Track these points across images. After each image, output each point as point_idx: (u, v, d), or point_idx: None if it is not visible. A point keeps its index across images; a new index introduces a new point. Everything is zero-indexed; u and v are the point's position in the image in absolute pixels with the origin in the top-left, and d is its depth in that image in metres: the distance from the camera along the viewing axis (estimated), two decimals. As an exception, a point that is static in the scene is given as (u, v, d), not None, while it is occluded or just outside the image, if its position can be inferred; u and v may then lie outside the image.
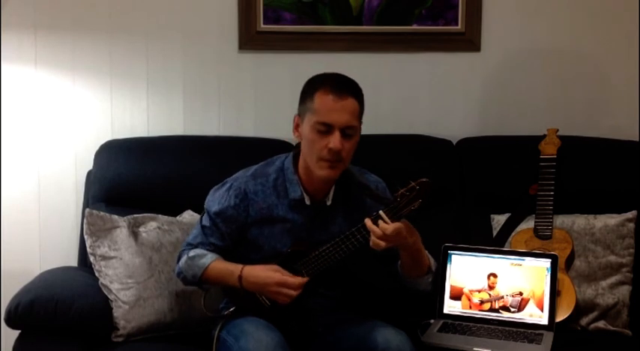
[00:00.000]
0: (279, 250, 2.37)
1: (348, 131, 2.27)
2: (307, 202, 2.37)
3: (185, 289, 2.54)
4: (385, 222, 2.19)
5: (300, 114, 2.32)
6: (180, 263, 2.43)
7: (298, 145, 2.40)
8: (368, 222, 2.21)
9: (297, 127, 2.34)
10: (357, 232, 2.26)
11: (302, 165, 2.37)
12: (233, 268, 2.33)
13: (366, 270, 2.54)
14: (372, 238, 2.20)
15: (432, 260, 2.41)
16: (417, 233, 2.30)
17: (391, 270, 2.44)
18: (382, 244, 2.20)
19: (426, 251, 2.39)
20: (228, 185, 2.41)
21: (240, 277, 2.30)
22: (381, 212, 2.20)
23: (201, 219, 2.46)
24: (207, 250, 2.40)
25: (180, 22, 3.04)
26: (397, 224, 2.19)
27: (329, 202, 2.39)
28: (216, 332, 2.33)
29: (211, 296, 2.46)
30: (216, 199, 2.41)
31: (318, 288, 2.38)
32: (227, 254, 2.41)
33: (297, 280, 2.27)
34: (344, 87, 2.28)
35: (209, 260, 2.36)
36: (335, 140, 2.23)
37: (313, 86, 2.29)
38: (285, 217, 2.38)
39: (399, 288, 2.46)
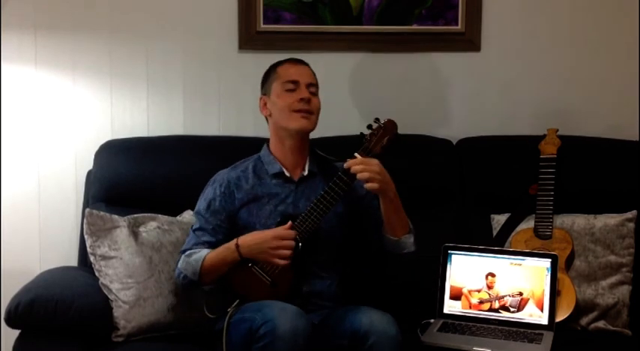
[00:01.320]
0: (271, 227, 2.44)
1: (312, 89, 2.52)
2: (287, 173, 2.53)
3: (185, 288, 2.54)
4: None
5: (266, 92, 2.57)
6: (178, 266, 2.48)
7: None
8: (348, 162, 2.37)
9: (264, 105, 2.56)
10: (338, 180, 2.38)
11: (274, 144, 2.57)
12: (228, 245, 2.42)
13: (357, 242, 2.61)
14: (359, 174, 2.34)
15: (409, 220, 2.51)
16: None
17: (378, 237, 2.51)
18: (368, 174, 2.33)
19: None
20: (211, 182, 2.58)
21: (237, 245, 2.38)
22: (355, 154, 2.39)
23: (192, 226, 2.56)
24: (201, 248, 2.48)
25: (180, 22, 3.04)
26: (374, 158, 2.39)
27: (305, 173, 2.54)
28: (226, 321, 2.34)
29: (212, 299, 2.46)
30: (203, 198, 2.56)
31: (314, 268, 2.45)
32: None
33: (292, 231, 2.36)
34: (300, 60, 2.58)
35: (205, 252, 2.44)
36: (303, 92, 2.49)
37: (272, 67, 2.59)
38: (269, 193, 2.51)
39: (384, 256, 2.54)
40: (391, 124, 2.43)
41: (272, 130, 2.57)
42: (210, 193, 2.54)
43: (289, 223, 2.38)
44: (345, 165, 2.38)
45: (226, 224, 2.51)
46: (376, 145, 2.40)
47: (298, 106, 2.47)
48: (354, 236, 2.59)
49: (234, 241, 2.40)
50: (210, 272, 2.42)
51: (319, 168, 2.57)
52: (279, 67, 2.56)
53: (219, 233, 2.49)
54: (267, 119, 2.58)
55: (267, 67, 3.08)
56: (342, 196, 2.39)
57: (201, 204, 2.55)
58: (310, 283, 2.46)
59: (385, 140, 2.41)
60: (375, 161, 2.37)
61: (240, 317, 2.31)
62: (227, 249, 2.41)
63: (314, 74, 2.56)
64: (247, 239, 2.39)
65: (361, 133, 2.42)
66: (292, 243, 2.34)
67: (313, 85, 2.53)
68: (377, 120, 2.42)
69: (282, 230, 2.37)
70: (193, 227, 2.54)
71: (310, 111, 2.49)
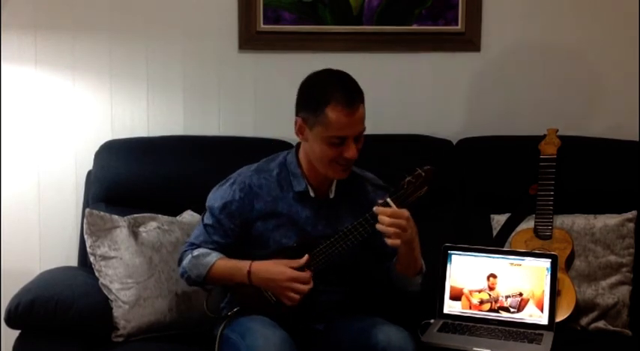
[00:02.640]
0: (285, 245, 2.37)
1: (359, 135, 2.31)
2: (312, 194, 2.39)
3: (185, 289, 2.54)
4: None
5: (307, 121, 2.29)
6: (184, 263, 2.42)
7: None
8: (377, 209, 2.22)
9: (301, 129, 2.32)
10: (364, 222, 2.26)
11: (305, 160, 2.39)
12: (241, 265, 2.33)
13: (368, 264, 2.55)
14: (384, 227, 2.19)
15: (422, 261, 2.41)
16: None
17: (386, 266, 2.44)
18: (393, 230, 2.19)
19: None
20: (231, 181, 2.42)
21: (249, 272, 2.31)
22: (388, 199, 2.21)
23: (202, 218, 2.46)
24: (211, 248, 2.40)
25: (180, 22, 3.04)
26: (405, 210, 2.21)
27: (332, 195, 2.41)
28: (220, 331, 2.33)
29: (214, 297, 2.46)
30: (220, 194, 2.42)
31: (322, 285, 2.38)
32: (230, 252, 2.40)
33: (308, 274, 2.29)
34: (353, 96, 2.27)
35: (214, 258, 2.36)
36: (351, 151, 2.27)
37: (323, 96, 2.25)
38: (290, 210, 2.39)
39: (389, 286, 2.46)
40: (429, 175, 2.21)
41: (304, 152, 2.38)
42: (228, 193, 2.39)
43: (306, 256, 2.29)
44: (375, 209, 2.21)
45: (239, 229, 2.40)
46: (412, 194, 2.21)
47: (342, 162, 2.28)
48: (368, 255, 2.49)
49: (247, 265, 2.32)
50: (215, 280, 2.38)
51: (349, 187, 2.42)
52: (330, 109, 2.22)
53: (230, 237, 2.41)
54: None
55: (267, 67, 3.09)
56: (366, 238, 2.29)
57: (216, 201, 2.40)
58: (317, 299, 2.39)
59: (423, 190, 2.21)
60: (405, 215, 2.20)
61: (229, 335, 2.30)
62: (238, 270, 2.33)
63: (364, 105, 2.30)
64: (261, 270, 2.31)
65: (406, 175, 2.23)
66: (306, 288, 2.27)
67: (362, 131, 2.30)
68: (420, 168, 2.22)
69: (299, 273, 2.28)
70: (204, 221, 2.43)
71: (353, 162, 2.31)
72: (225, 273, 2.35)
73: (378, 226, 2.21)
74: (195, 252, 2.40)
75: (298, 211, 2.39)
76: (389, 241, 2.21)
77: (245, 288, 2.35)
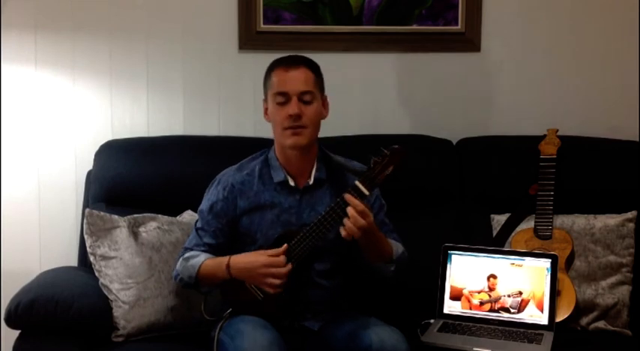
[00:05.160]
0: (272, 237, 2.39)
1: (305, 97, 2.36)
2: (291, 183, 2.44)
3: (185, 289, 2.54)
4: (362, 191, 2.24)
5: (265, 97, 2.44)
6: (177, 266, 2.46)
7: None
8: (347, 195, 2.25)
9: (265, 110, 2.46)
10: (336, 207, 2.28)
11: (278, 149, 2.46)
12: (221, 260, 2.37)
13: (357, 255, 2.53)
14: (348, 221, 2.22)
15: (395, 250, 2.41)
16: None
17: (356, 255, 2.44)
18: (358, 227, 2.22)
19: (391, 241, 2.41)
20: (216, 182, 2.50)
21: (227, 266, 2.34)
22: (356, 182, 2.25)
23: (195, 223, 2.51)
24: (202, 250, 2.44)
25: (180, 22, 3.04)
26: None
27: (311, 182, 2.44)
28: (216, 334, 2.34)
29: (211, 301, 2.46)
30: (208, 197, 2.49)
31: (314, 277, 2.41)
32: (223, 253, 2.43)
33: (282, 258, 2.29)
34: (294, 59, 2.42)
35: (202, 259, 2.40)
36: (293, 106, 2.34)
37: (269, 68, 2.44)
38: (272, 202, 2.43)
39: (363, 272, 2.46)
40: (395, 154, 2.23)
41: (275, 137, 2.47)
42: (213, 195, 2.47)
43: (285, 246, 2.30)
44: (346, 198, 2.24)
45: (227, 228, 2.45)
46: (379, 174, 2.23)
47: (288, 123, 2.35)
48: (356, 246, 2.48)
49: (227, 260, 2.35)
50: (205, 281, 2.40)
51: (329, 173, 2.46)
52: (273, 72, 2.40)
53: (220, 237, 2.45)
54: None
55: (266, 67, 3.08)
56: (340, 223, 2.27)
57: (204, 204, 2.48)
58: (309, 293, 2.41)
59: (390, 169, 2.23)
60: (368, 217, 2.24)
61: (221, 337, 2.31)
62: (219, 266, 2.36)
63: (314, 73, 2.40)
64: (238, 261, 2.34)
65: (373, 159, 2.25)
66: (283, 271, 2.28)
67: (307, 93, 2.36)
68: (385, 149, 2.24)
69: (273, 258, 2.29)
70: (196, 226, 2.49)
71: (302, 126, 2.35)
72: (211, 272, 2.38)
73: (349, 210, 2.23)
74: (187, 255, 2.44)
75: (281, 201, 2.43)
76: (342, 231, 2.24)
77: (233, 287, 2.37)
